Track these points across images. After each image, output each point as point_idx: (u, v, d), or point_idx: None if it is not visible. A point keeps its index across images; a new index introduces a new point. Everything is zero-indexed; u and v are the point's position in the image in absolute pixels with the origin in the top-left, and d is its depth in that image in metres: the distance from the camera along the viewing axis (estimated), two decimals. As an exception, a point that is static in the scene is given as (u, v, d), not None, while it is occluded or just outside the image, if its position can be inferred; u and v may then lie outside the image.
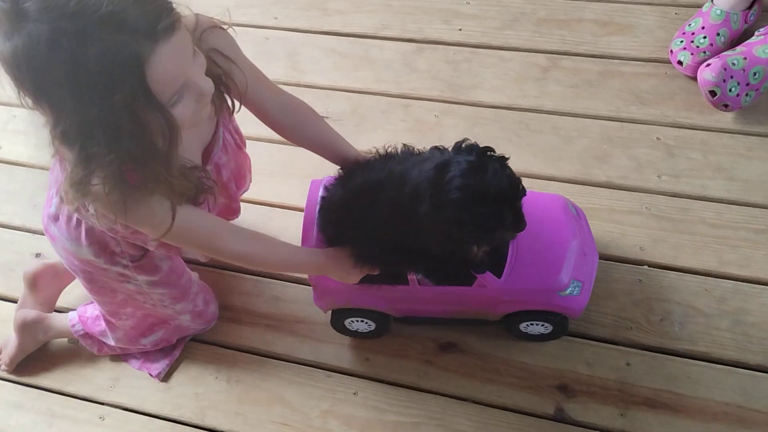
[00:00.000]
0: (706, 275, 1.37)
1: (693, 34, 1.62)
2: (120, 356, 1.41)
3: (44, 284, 1.44)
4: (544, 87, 1.68)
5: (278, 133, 1.23)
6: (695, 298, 1.35)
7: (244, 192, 1.37)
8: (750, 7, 1.62)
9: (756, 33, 1.56)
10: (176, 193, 0.99)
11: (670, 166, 1.51)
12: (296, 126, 1.22)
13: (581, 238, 1.27)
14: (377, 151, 1.17)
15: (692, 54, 1.60)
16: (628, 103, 1.62)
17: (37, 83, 0.83)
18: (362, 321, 1.32)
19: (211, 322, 1.41)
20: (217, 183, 1.17)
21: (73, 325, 1.38)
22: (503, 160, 1.06)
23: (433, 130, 1.62)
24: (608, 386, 1.28)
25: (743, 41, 1.57)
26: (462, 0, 1.86)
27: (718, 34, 1.60)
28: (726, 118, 1.56)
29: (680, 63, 1.62)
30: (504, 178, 1.03)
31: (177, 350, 1.40)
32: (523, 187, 1.06)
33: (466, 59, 1.75)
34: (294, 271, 1.32)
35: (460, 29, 1.81)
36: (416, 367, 1.34)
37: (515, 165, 1.07)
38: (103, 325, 1.35)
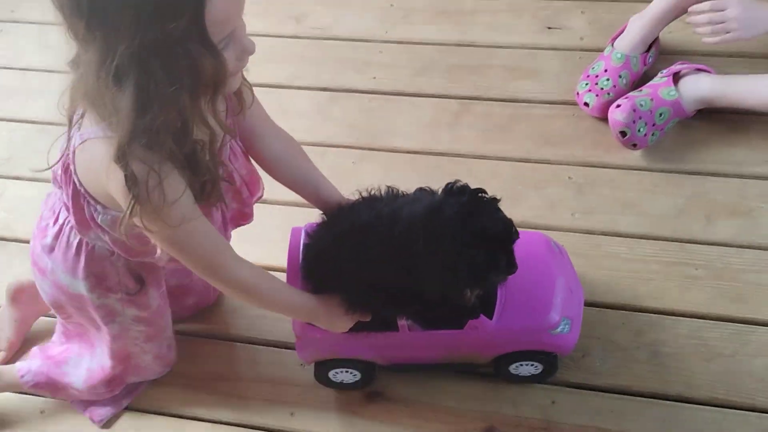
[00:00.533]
0: (622, 309, 1.40)
1: (597, 76, 1.69)
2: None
3: (28, 301, 1.35)
4: (457, 131, 1.70)
5: (263, 165, 1.20)
6: (614, 332, 1.37)
7: (258, 198, 1.29)
8: (648, 50, 1.70)
9: (659, 74, 1.63)
10: (197, 170, 0.96)
11: (582, 204, 1.55)
12: (286, 158, 1.19)
13: (566, 275, 1.27)
14: (360, 194, 1.15)
15: (597, 95, 1.66)
16: (538, 145, 1.66)
17: (94, 2, 0.80)
18: (347, 371, 1.28)
19: (168, 367, 1.34)
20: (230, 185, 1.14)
21: (22, 376, 1.28)
22: (495, 201, 1.05)
23: (351, 177, 1.61)
24: (534, 425, 1.28)
25: (645, 82, 1.64)
26: (375, 49, 1.89)
27: (620, 76, 1.67)
28: (633, 156, 1.61)
29: (586, 104, 1.68)
30: (498, 221, 1.02)
31: (126, 399, 1.33)
32: (516, 229, 1.05)
33: (381, 106, 1.77)
34: (287, 314, 1.24)
35: (374, 77, 1.83)
36: (342, 418, 1.31)
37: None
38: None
